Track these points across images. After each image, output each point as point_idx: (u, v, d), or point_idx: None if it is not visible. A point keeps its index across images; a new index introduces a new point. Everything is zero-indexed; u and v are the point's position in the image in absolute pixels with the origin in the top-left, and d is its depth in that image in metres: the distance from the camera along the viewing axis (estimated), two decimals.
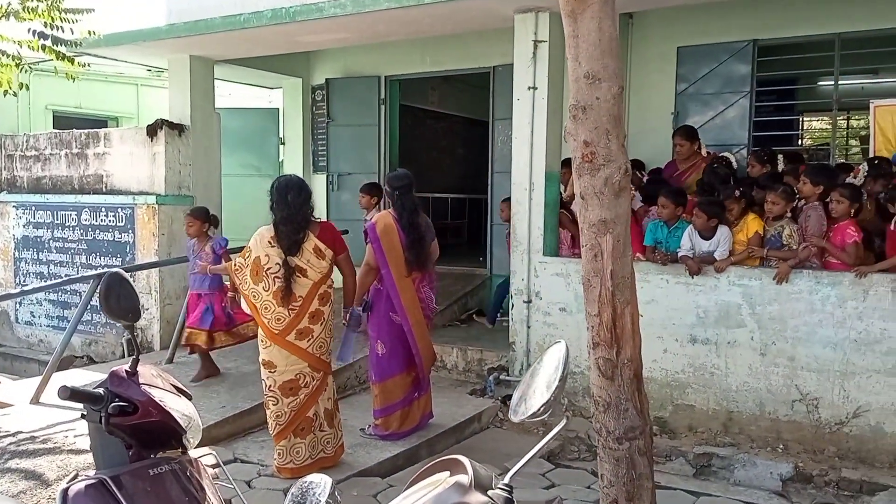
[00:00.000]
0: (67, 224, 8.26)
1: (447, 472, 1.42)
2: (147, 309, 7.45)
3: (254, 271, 4.15)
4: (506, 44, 6.22)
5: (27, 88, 6.82)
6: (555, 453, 4.69)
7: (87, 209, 8.11)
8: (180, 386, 2.31)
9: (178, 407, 2.17)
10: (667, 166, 6.40)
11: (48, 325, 8.40)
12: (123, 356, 7.27)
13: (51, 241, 8.41)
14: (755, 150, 6.15)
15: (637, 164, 6.36)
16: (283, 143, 9.93)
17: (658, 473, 2.56)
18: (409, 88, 9.26)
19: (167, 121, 7.75)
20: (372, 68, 8.81)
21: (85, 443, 4.41)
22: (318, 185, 9.15)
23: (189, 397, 2.30)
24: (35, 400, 5.24)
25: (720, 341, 5.07)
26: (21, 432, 4.60)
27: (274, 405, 4.15)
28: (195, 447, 2.24)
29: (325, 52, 8.80)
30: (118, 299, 2.24)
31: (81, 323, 6.55)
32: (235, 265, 4.31)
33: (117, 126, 9.93)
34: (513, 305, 5.91)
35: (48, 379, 5.39)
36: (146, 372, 2.20)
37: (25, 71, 6.66)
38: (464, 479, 1.33)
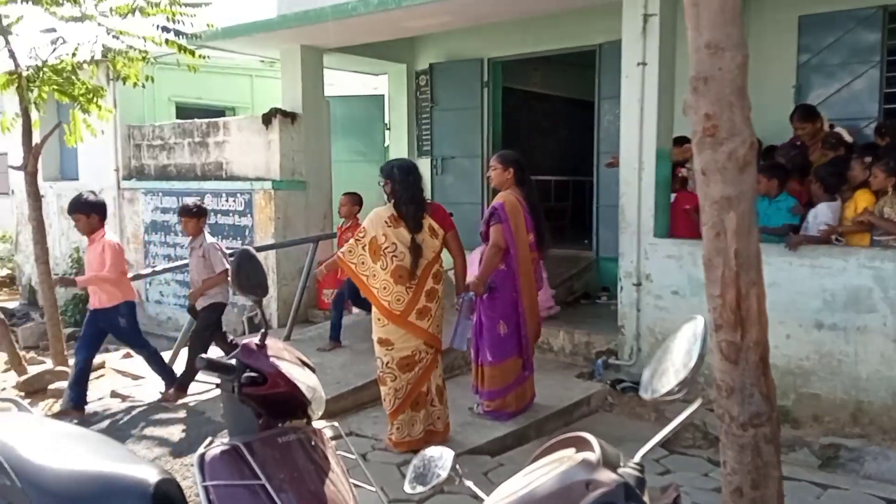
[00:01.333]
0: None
1: (572, 449, 1.41)
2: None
3: (371, 251, 4.21)
4: (611, 20, 6.05)
5: (152, 81, 7.25)
6: (669, 439, 4.55)
7: (208, 195, 8.57)
8: (305, 359, 2.41)
9: (304, 379, 2.26)
10: (786, 144, 6.06)
11: (175, 304, 8.97)
12: (244, 333, 7.65)
13: (176, 226, 8.96)
14: (878, 124, 5.78)
15: None
16: (389, 129, 10.10)
17: (781, 464, 2.46)
18: (512, 70, 9.18)
19: (281, 109, 8.06)
20: (474, 51, 8.79)
21: (211, 413, 4.71)
22: (423, 168, 9.24)
23: (313, 370, 2.40)
24: None
25: (849, 327, 4.77)
26: (153, 403, 4.94)
27: (392, 381, 4.25)
28: (318, 418, 2.33)
29: (429, 37, 8.86)
30: (248, 275, 2.37)
31: None
32: (346, 247, 4.35)
33: (234, 115, 10.40)
34: (622, 288, 5.79)
35: (177, 353, 5.78)
36: (274, 345, 2.30)
37: (151, 64, 7.07)
38: (591, 456, 1.32)
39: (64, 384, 5.26)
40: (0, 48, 6.26)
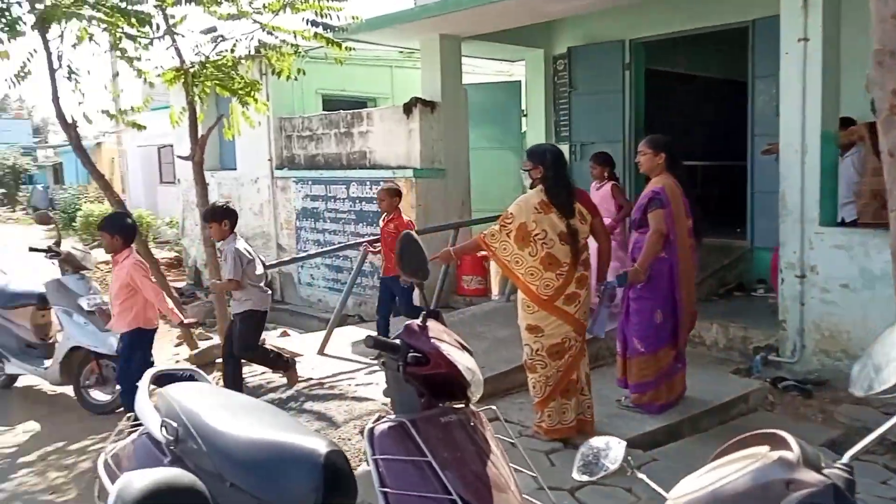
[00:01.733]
0: (338, 196, 9.16)
1: (765, 447, 1.33)
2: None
3: (518, 237, 4.17)
4: None
5: (304, 74, 7.59)
6: (837, 443, 4.24)
7: (353, 183, 8.91)
8: (463, 342, 2.46)
9: (463, 361, 2.31)
10: None
11: (325, 287, 9.43)
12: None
13: (325, 212, 9.40)
14: None
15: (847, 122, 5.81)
16: (525, 115, 10.05)
17: None
18: (655, 51, 8.84)
19: (421, 99, 8.21)
20: (616, 33, 8.54)
21: (366, 391, 4.91)
22: None
23: (471, 353, 2.44)
24: (320, 351, 5.93)
25: None
26: (311, 379, 5.22)
27: (542, 368, 4.23)
28: (476, 400, 2.37)
29: (567, 20, 8.70)
30: (410, 258, 2.44)
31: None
32: (489, 232, 4.28)
33: (375, 106, 10.73)
34: (783, 280, 5.43)
35: (331, 333, 6.08)
36: (435, 327, 2.36)
37: (301, 58, 7.40)
38: (790, 454, 1.24)
39: None
40: (166, 47, 6.78)
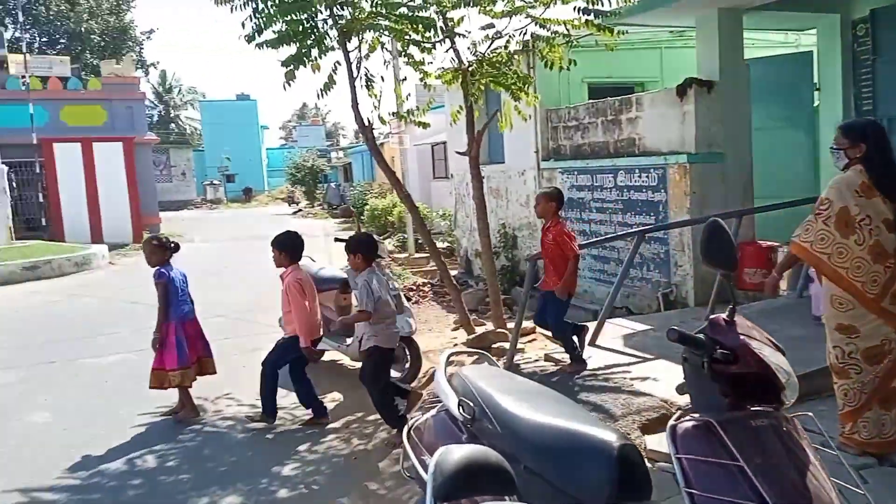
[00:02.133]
0: (605, 186, 9.03)
1: None
2: (681, 266, 7.68)
3: (840, 224, 3.70)
4: None
5: (575, 64, 7.58)
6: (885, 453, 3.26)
7: (621, 171, 8.71)
8: (775, 340, 2.26)
9: (777, 361, 2.12)
10: None
11: (591, 278, 9.38)
12: (659, 310, 7.64)
13: (591, 202, 9.33)
14: None
15: None
16: (818, 89, 9.01)
17: None
18: None
19: (696, 79, 7.74)
20: None
21: (642, 385, 4.79)
22: None
23: (783, 352, 2.24)
24: (592, 342, 5.91)
25: None
26: (586, 370, 5.22)
27: (856, 374, 3.76)
28: (790, 404, 2.17)
29: None
30: (718, 247, 2.30)
31: None
32: (801, 229, 3.81)
33: (642, 90, 10.37)
34: None
35: (602, 324, 6.02)
36: (742, 322, 2.20)
37: (572, 47, 7.39)
38: None
39: (504, 345, 5.91)
40: (446, 49, 7.18)
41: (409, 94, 8.30)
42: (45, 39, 38.08)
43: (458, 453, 2.16)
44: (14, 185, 19.22)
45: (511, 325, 6.40)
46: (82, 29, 37.04)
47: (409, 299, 10.03)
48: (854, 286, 3.68)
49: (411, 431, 3.07)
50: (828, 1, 8.10)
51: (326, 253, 10.29)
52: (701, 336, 2.16)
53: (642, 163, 8.40)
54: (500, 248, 11.05)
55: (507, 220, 11.46)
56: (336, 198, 28.77)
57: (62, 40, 37.92)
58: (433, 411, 3.05)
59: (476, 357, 4.17)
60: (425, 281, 10.88)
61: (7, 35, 24.44)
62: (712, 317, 2.23)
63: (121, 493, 4.36)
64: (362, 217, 18.72)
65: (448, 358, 3.33)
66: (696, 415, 2.14)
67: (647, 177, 8.28)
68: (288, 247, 5.35)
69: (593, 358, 5.48)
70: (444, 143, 16.70)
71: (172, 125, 54.93)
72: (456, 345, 6.80)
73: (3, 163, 16.21)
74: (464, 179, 11.85)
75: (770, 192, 7.88)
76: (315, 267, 6.92)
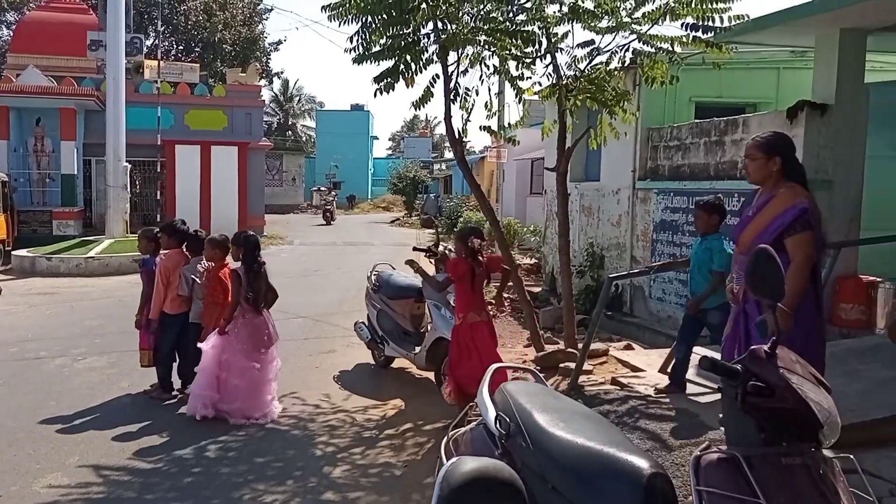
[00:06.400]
0: (745, 206, 8.61)
1: None
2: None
3: None
4: None
5: (678, 80, 7.30)
6: None
7: (720, 194, 8.31)
8: (820, 377, 2.10)
9: (818, 398, 1.97)
10: None
11: (676, 303, 9.02)
12: None
13: (684, 225, 8.98)
14: None
15: None
16: None
17: None
18: None
19: (809, 101, 7.32)
20: None
21: (707, 417, 4.55)
22: None
23: (829, 390, 2.07)
24: (663, 369, 5.67)
25: None
26: (650, 397, 5.01)
27: None
28: (830, 445, 2.00)
29: None
30: (763, 276, 2.16)
31: None
32: None
33: (755, 112, 9.90)
34: None
35: (673, 354, 5.76)
36: (785, 356, 2.06)
37: (676, 64, 7.14)
38: None
39: (572, 365, 5.77)
40: (546, 64, 7.12)
41: (504, 107, 8.29)
42: (181, 47, 40.83)
43: (467, 466, 2.13)
44: (136, 182, 20.66)
45: None
46: (216, 39, 39.44)
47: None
48: None
49: (450, 443, 3.07)
50: None
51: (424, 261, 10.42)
52: (737, 367, 2.03)
53: (742, 187, 7.99)
54: (585, 267, 10.82)
55: (597, 239, 11.21)
56: (433, 208, 29.19)
57: (197, 49, 40.52)
58: (473, 424, 3.04)
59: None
60: (507, 296, 10.79)
61: (148, 42, 26.33)
62: (753, 347, 2.09)
63: (179, 479, 4.54)
64: (455, 228, 18.88)
65: (493, 373, 3.30)
66: (724, 447, 2.01)
67: (746, 202, 7.87)
68: (174, 233, 6.24)
69: (661, 385, 5.26)
70: (542, 158, 16.61)
71: (289, 132, 57.45)
72: (524, 361, 6.70)
73: (127, 161, 17.45)
74: (556, 196, 11.71)
75: (880, 225, 7.31)
76: (392, 275, 7.03)
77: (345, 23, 6.46)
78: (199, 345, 5.69)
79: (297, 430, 5.49)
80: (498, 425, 2.70)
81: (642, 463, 2.28)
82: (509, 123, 7.75)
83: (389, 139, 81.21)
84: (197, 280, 6.02)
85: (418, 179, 38.91)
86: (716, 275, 5.14)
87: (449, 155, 42.38)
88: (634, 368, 6.07)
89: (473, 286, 5.48)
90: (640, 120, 9.88)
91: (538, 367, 6.49)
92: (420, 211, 33.07)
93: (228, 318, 5.64)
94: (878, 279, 6.83)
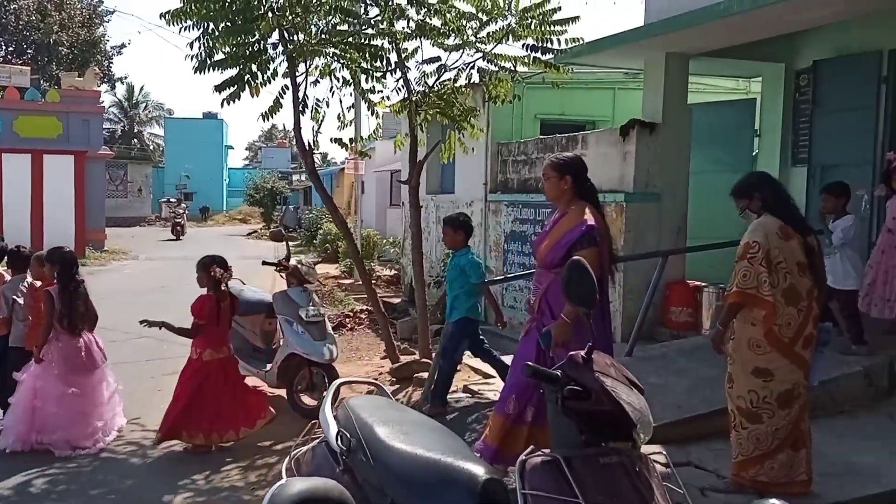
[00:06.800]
0: (545, 220, 9.08)
1: None
2: (611, 301, 7.71)
3: (767, 266, 3.72)
4: None
5: (519, 99, 7.68)
6: None
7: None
8: (634, 379, 2.26)
9: (630, 400, 2.11)
10: None
11: (524, 310, 9.40)
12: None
13: (532, 236, 9.38)
14: None
15: None
16: (758, 136, 9.24)
17: None
18: None
19: (639, 120, 7.89)
20: (871, 43, 7.54)
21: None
22: (797, 179, 8.30)
23: (641, 391, 2.23)
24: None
25: None
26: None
27: (769, 418, 3.76)
28: (645, 443, 2.16)
29: (813, 31, 7.85)
30: (577, 285, 2.30)
31: None
32: (739, 278, 3.74)
33: (594, 129, 10.53)
34: None
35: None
36: (601, 360, 2.20)
37: (518, 83, 7.49)
38: None
39: (426, 375, 5.85)
40: (396, 79, 7.22)
41: (362, 119, 8.30)
42: (11, 49, 37.49)
43: (294, 488, 2.11)
44: None
45: None
46: (51, 40, 36.58)
47: (344, 326, 9.96)
48: (771, 329, 3.72)
49: (292, 462, 3.01)
50: (772, 50, 8.32)
51: (268, 276, 10.15)
52: (556, 372, 2.14)
53: None
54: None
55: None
56: (292, 221, 28.61)
57: (29, 51, 37.39)
58: (315, 442, 3.00)
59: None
60: (364, 308, 10.79)
61: None
62: (571, 353, 2.22)
63: None
64: (315, 241, 18.64)
65: (338, 388, 3.28)
66: (548, 451, 2.11)
67: None
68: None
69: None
70: (400, 171, 16.79)
71: (135, 140, 54.25)
72: (380, 373, 6.72)
73: None
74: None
75: (705, 235, 8.00)
76: (241, 290, 6.81)
77: (186, 29, 6.23)
78: (14, 374, 5.25)
79: (137, 457, 5.16)
80: (339, 441, 2.68)
81: (478, 470, 2.35)
82: (361, 136, 7.76)
83: (247, 149, 78.69)
84: (18, 300, 5.53)
85: (276, 191, 37.95)
86: (475, 286, 5.39)
87: None
88: (486, 375, 6.25)
89: (219, 320, 5.28)
90: (490, 135, 10.25)
91: (393, 379, 6.54)
92: (279, 223, 32.30)
93: (41, 342, 5.24)
94: (703, 284, 7.46)
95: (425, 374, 6.02)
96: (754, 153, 9.32)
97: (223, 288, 5.30)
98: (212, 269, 5.21)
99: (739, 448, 3.85)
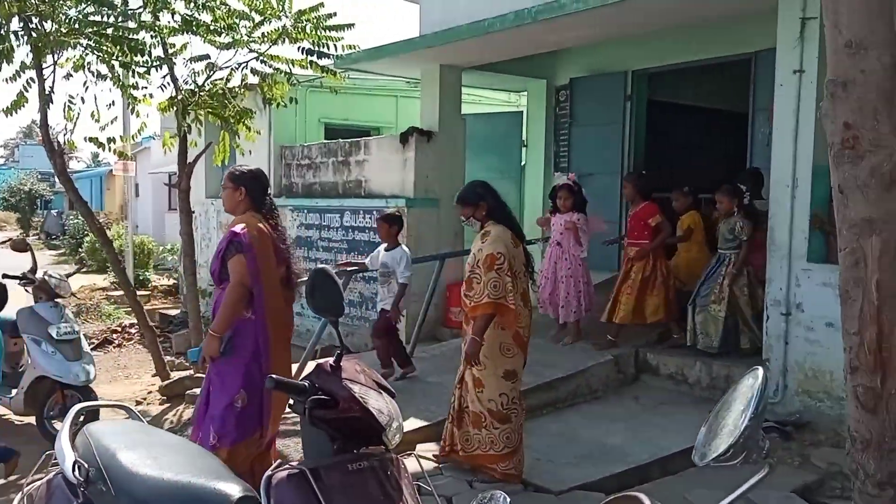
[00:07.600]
0: (332, 225, 9.08)
1: None
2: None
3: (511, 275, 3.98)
4: (768, 25, 5.55)
5: (296, 102, 7.58)
6: (811, 488, 4.03)
7: (348, 212, 8.84)
8: (384, 383, 2.31)
9: (379, 405, 2.16)
10: None
11: (314, 317, 9.30)
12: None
13: (318, 241, 9.32)
14: None
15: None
16: (526, 146, 9.96)
17: None
18: (658, 82, 8.75)
19: (417, 128, 8.16)
20: (618, 64, 8.47)
21: None
22: None
23: (392, 395, 2.30)
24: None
25: None
26: None
27: (515, 417, 4.04)
28: (395, 445, 2.22)
29: (570, 51, 8.65)
30: (322, 294, 2.32)
31: None
32: (490, 289, 3.91)
33: (378, 135, 10.70)
34: (768, 318, 5.24)
35: (304, 367, 5.93)
36: (350, 367, 2.23)
37: (294, 86, 7.39)
38: None
39: (198, 391, 5.55)
40: (163, 75, 6.80)
41: (124, 118, 7.71)
42: None
43: None
44: None
45: None
46: None
47: (110, 342, 9.18)
48: (518, 332, 4.00)
49: (24, 499, 2.72)
50: (536, 67, 9.01)
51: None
52: (304, 383, 2.14)
53: (367, 204, 8.60)
54: None
55: None
56: (56, 227, 25.78)
57: None
58: (52, 474, 2.72)
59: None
60: (133, 322, 10.01)
61: None
62: (319, 361, 2.23)
63: None
64: (81, 249, 16.97)
65: (77, 413, 3.00)
66: (295, 463, 2.10)
67: (371, 218, 8.46)
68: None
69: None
70: (176, 173, 15.82)
71: None
72: (150, 392, 6.28)
73: None
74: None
75: None
76: None
77: None
78: None
79: None
80: (76, 472, 2.46)
81: (231, 489, 2.27)
82: (131, 136, 7.19)
83: (2, 146, 69.69)
84: None
85: (36, 193, 33.97)
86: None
87: (75, 166, 37.95)
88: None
89: None
90: (272, 138, 10.02)
91: (164, 398, 6.13)
92: (39, 229, 28.93)
93: None
94: None
95: (198, 391, 5.71)
96: (523, 163, 10.02)
97: None
98: None
99: (491, 445, 4.03)
